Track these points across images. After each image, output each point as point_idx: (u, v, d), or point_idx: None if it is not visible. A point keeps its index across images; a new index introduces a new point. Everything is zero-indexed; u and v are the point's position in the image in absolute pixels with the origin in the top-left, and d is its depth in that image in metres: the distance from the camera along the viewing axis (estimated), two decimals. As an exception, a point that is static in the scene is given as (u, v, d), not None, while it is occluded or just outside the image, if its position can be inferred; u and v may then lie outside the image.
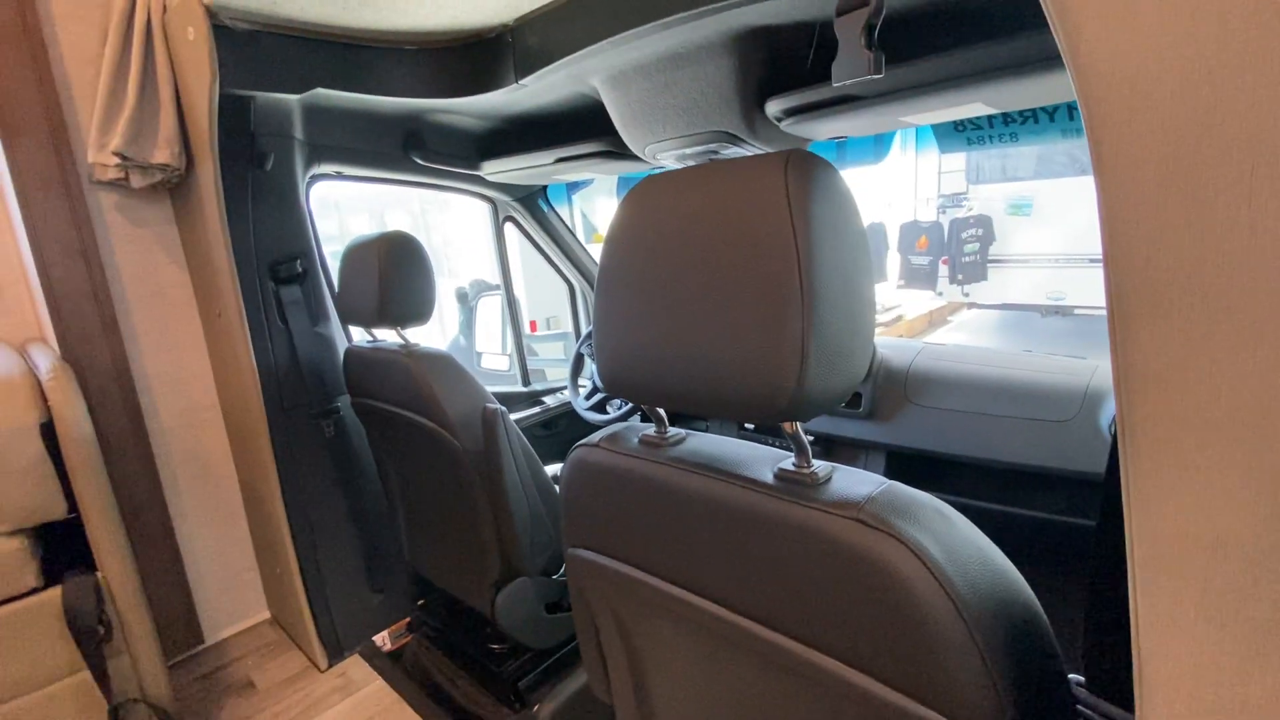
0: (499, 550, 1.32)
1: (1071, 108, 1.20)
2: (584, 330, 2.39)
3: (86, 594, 1.25)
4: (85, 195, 1.48)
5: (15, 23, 1.35)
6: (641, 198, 0.59)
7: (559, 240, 2.22)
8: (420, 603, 1.73)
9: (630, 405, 1.92)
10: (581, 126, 1.61)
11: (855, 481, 0.54)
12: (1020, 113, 1.27)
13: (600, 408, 2.08)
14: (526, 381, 2.38)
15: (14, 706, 1.20)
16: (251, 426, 1.54)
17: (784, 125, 1.21)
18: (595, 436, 0.71)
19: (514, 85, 1.34)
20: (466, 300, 4.14)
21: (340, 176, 1.68)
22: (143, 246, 1.59)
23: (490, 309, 2.91)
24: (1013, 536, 1.03)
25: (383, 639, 1.75)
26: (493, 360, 2.74)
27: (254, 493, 1.70)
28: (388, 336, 1.50)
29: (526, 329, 3.56)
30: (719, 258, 0.52)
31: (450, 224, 5.00)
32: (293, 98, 1.35)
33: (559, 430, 2.32)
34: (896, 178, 8.13)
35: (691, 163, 1.38)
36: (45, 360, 1.38)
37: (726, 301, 0.52)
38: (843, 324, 0.50)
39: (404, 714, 1.47)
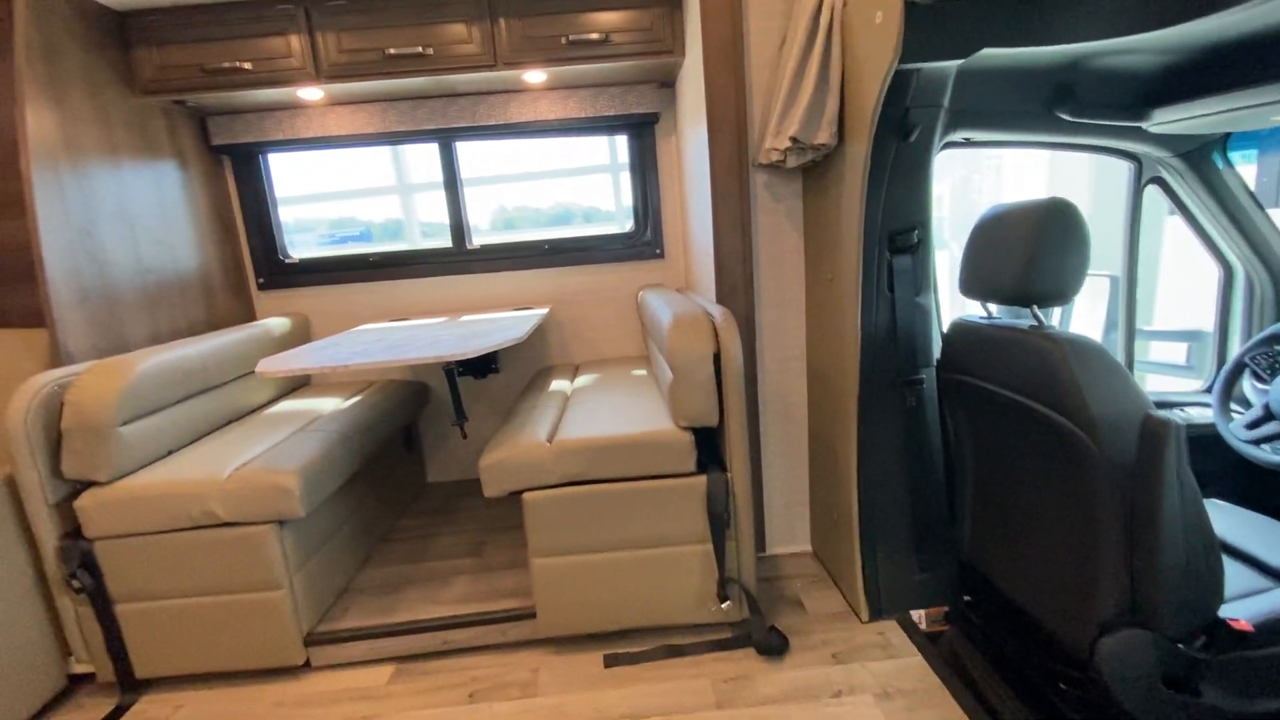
0: (1124, 588, 1.09)
1: None
2: (1241, 332, 1.75)
3: (719, 487, 1.62)
4: (749, 176, 1.85)
5: (731, 41, 1.75)
6: None
7: (1230, 208, 1.63)
8: (967, 599, 1.63)
9: None
10: None
11: None
12: None
13: (1261, 441, 1.49)
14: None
15: (668, 551, 1.66)
16: (841, 383, 1.70)
17: None
18: None
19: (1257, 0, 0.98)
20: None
21: (968, 143, 1.63)
22: (775, 219, 1.91)
23: (1091, 292, 2.45)
24: None
25: (919, 616, 1.74)
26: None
27: (823, 441, 1.89)
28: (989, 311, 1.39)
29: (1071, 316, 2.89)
30: None
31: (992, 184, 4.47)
32: (954, 64, 1.34)
33: None
34: None
35: None
36: (710, 306, 1.82)
37: None
38: None
39: (945, 703, 1.42)
